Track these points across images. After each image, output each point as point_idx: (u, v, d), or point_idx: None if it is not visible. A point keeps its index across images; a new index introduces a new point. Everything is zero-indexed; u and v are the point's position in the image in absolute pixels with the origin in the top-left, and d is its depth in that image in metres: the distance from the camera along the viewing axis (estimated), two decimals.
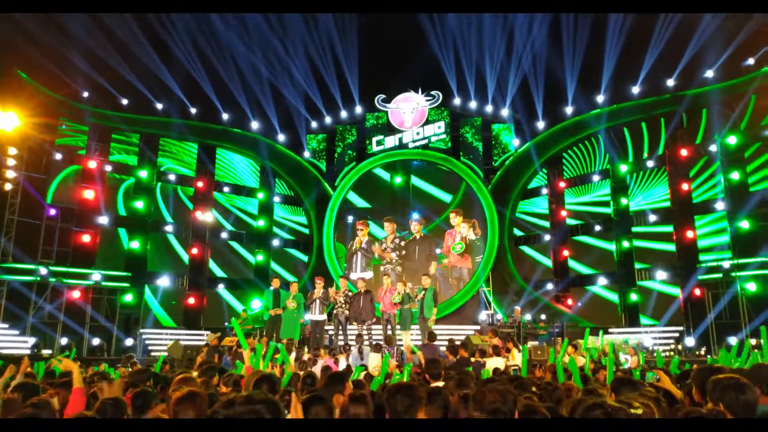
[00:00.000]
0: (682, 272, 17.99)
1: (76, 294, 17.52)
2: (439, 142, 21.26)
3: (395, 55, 22.85)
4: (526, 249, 21.73)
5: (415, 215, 18.34)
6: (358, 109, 22.68)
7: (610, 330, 17.33)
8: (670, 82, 19.03)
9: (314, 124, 23.27)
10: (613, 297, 19.62)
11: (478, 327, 16.61)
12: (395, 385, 3.29)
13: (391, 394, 3.14)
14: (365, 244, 18.30)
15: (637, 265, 19.03)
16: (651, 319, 18.47)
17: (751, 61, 17.53)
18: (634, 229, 19.33)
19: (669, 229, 18.83)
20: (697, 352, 16.35)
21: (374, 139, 22.00)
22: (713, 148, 18.24)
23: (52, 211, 17.99)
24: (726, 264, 16.97)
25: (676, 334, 17.13)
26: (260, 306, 17.72)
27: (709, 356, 12.97)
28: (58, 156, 18.50)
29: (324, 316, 14.64)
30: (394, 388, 3.19)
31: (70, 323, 17.35)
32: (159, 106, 20.57)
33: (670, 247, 18.76)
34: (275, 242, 22.28)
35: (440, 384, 5.97)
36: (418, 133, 21.42)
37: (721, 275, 17.17)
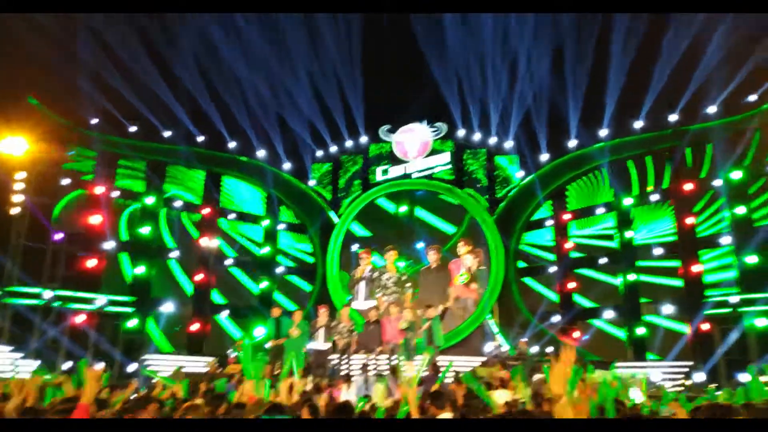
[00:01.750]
0: (689, 307, 17.86)
1: (80, 318, 17.44)
2: (443, 172, 21.36)
3: (400, 86, 23.24)
4: (530, 281, 21.63)
5: (422, 245, 18.28)
6: (363, 139, 22.87)
7: (616, 364, 17.13)
8: (673, 117, 19.20)
9: (320, 153, 23.47)
10: (619, 333, 19.44)
11: (484, 358, 16.43)
12: None
13: None
14: (368, 272, 18.23)
15: (643, 299, 18.92)
16: (657, 356, 18.26)
17: (753, 97, 17.71)
18: (640, 263, 19.26)
19: (675, 263, 18.77)
20: (707, 388, 16.11)
21: (379, 169, 22.12)
22: (717, 182, 18.31)
23: (59, 236, 18.02)
24: (734, 299, 16.87)
25: (686, 369, 16.92)
26: (263, 334, 17.59)
27: (719, 393, 12.76)
28: (66, 181, 18.61)
29: (328, 345, 14.51)
30: None
31: (73, 348, 17.24)
32: (167, 133, 20.78)
33: (677, 282, 18.66)
34: (279, 269, 22.25)
35: (448, 415, 5.91)
36: (422, 164, 21.55)
37: (729, 310, 17.04)
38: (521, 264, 21.47)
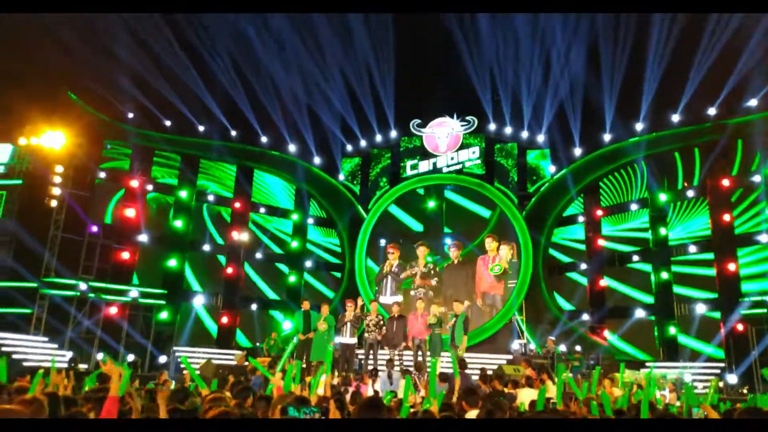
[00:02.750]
0: (724, 305, 17.40)
1: (113, 310, 17.91)
2: (474, 167, 21.18)
3: (431, 80, 23.13)
4: (561, 278, 21.35)
5: (449, 241, 18.21)
6: (393, 134, 22.84)
7: (647, 364, 16.84)
8: (712, 111, 18.66)
9: (349, 148, 23.53)
10: (652, 324, 19.07)
11: (510, 356, 16.32)
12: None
13: None
14: (396, 267, 18.23)
15: (677, 289, 18.48)
16: (697, 340, 17.84)
17: None
18: (674, 260, 18.85)
19: (710, 256, 18.29)
20: (740, 390, 15.73)
21: (408, 163, 22.06)
22: (756, 178, 17.75)
23: (94, 228, 18.50)
24: None
25: (717, 371, 16.52)
26: (291, 327, 17.79)
27: (750, 394, 12.45)
28: (102, 174, 19.08)
29: (354, 340, 14.57)
30: None
31: (106, 338, 17.72)
32: (201, 128, 21.12)
33: (711, 272, 18.19)
34: (308, 263, 22.45)
35: (475, 412, 5.88)
36: (452, 158, 21.39)
37: (766, 310, 16.55)
38: (552, 260, 21.21)
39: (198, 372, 13.61)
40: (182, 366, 17.54)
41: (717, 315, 17.76)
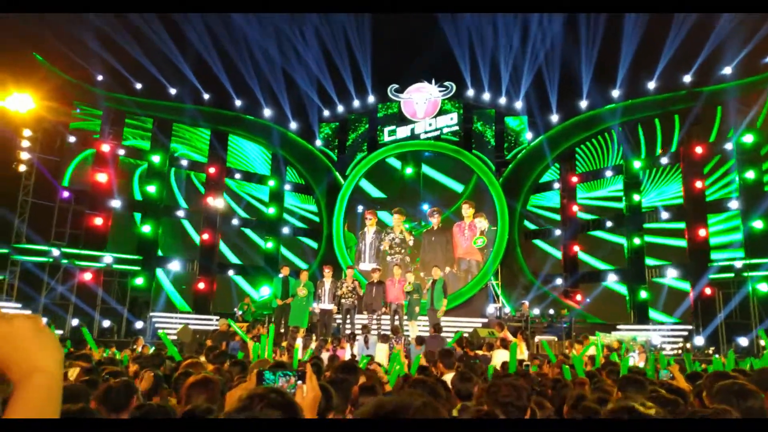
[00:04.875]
0: (693, 271, 17.87)
1: (87, 276, 17.71)
2: (451, 133, 21.14)
3: (409, 45, 22.78)
4: (536, 243, 21.65)
5: (426, 207, 18.26)
6: (371, 99, 22.61)
7: (618, 327, 17.30)
8: (687, 78, 18.81)
9: (326, 113, 23.26)
10: (623, 290, 19.51)
11: (485, 320, 16.61)
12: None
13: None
14: (374, 234, 18.30)
15: (648, 261, 18.91)
16: (663, 313, 18.36)
17: None
18: (646, 226, 19.20)
19: (681, 225, 18.68)
20: (706, 351, 16.28)
21: (386, 129, 21.92)
22: (728, 146, 18.06)
23: (66, 194, 18.13)
24: (738, 264, 16.84)
25: (685, 333, 17.06)
26: (269, 293, 17.81)
27: (716, 355, 12.89)
28: (72, 139, 18.61)
29: (333, 305, 14.68)
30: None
31: (81, 305, 17.56)
32: (173, 91, 20.63)
33: (682, 243, 18.61)
34: (285, 230, 22.37)
35: (451, 375, 5.99)
36: (430, 124, 21.31)
37: (732, 275, 17.05)
38: (527, 226, 21.46)
39: (175, 337, 13.63)
40: (159, 331, 17.56)
41: (686, 287, 18.17)
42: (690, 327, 17.26)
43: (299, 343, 12.47)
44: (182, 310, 19.49)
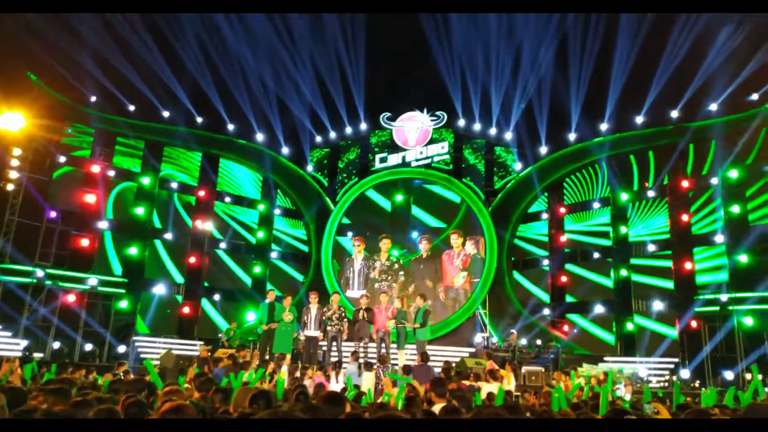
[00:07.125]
0: (680, 303, 17.93)
1: (71, 298, 17.45)
2: (442, 162, 21.32)
3: (401, 74, 23.05)
4: (523, 274, 21.67)
5: (416, 234, 18.29)
6: (363, 126, 22.79)
7: (605, 359, 17.27)
8: (674, 114, 19.13)
9: (318, 139, 23.39)
10: (604, 335, 19.50)
11: (473, 349, 16.53)
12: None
13: None
14: (362, 260, 18.28)
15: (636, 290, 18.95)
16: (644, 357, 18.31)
17: (755, 96, 17.64)
18: (633, 261, 19.28)
19: (668, 264, 18.74)
20: (692, 385, 16.27)
21: (377, 156, 22.07)
22: (714, 180, 18.30)
23: (53, 214, 17.97)
24: (723, 297, 16.92)
25: (672, 366, 17.04)
26: (254, 318, 17.65)
27: (703, 389, 12.88)
28: (62, 159, 18.52)
29: (318, 332, 14.54)
30: None
31: (63, 327, 17.27)
32: (165, 113, 20.67)
33: (668, 284, 18.66)
34: (273, 255, 22.26)
35: (442, 404, 5.93)
36: (421, 152, 21.48)
37: (718, 308, 17.11)
38: (515, 256, 21.50)
39: (158, 362, 13.43)
40: (142, 356, 17.29)
41: (667, 331, 18.16)
42: (676, 360, 17.25)
43: (284, 370, 12.33)
44: (147, 334, 18.97)
